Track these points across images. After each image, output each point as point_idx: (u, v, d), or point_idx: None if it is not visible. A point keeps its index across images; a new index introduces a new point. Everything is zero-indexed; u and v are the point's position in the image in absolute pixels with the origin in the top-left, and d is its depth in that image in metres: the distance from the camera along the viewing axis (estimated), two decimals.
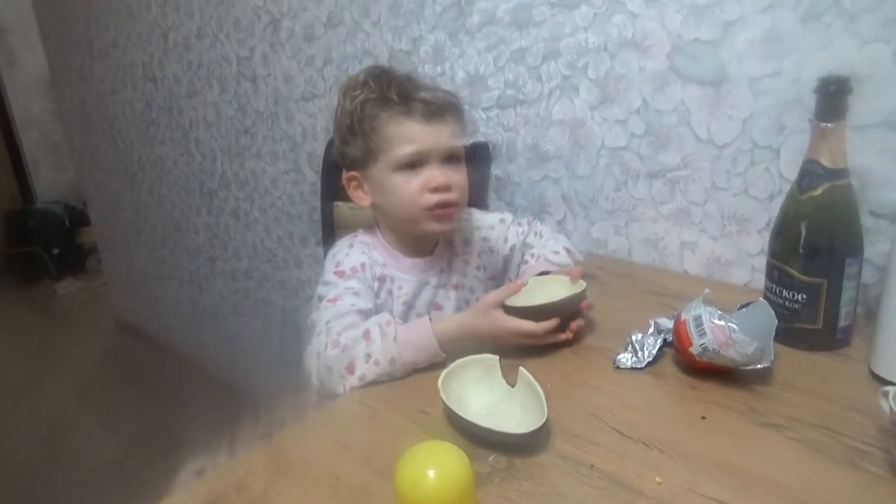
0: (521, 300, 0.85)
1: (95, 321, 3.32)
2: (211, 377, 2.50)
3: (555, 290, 0.89)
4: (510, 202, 1.28)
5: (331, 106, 1.59)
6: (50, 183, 4.06)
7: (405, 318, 0.98)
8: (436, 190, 0.91)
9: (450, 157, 0.92)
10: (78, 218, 3.88)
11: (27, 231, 3.78)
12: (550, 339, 0.84)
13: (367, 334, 0.82)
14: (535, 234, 1.07)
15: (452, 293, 1.01)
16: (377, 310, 0.93)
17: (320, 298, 0.91)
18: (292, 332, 2.09)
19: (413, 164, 0.90)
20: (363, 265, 0.95)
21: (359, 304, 0.89)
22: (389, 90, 0.90)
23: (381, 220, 1.00)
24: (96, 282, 3.69)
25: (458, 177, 0.93)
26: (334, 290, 0.91)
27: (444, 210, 0.92)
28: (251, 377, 2.33)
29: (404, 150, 0.90)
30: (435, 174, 0.91)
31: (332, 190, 1.41)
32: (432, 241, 1.02)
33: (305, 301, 1.98)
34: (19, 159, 3.98)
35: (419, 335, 0.82)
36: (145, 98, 2.32)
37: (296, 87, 1.68)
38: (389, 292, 0.97)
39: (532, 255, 1.03)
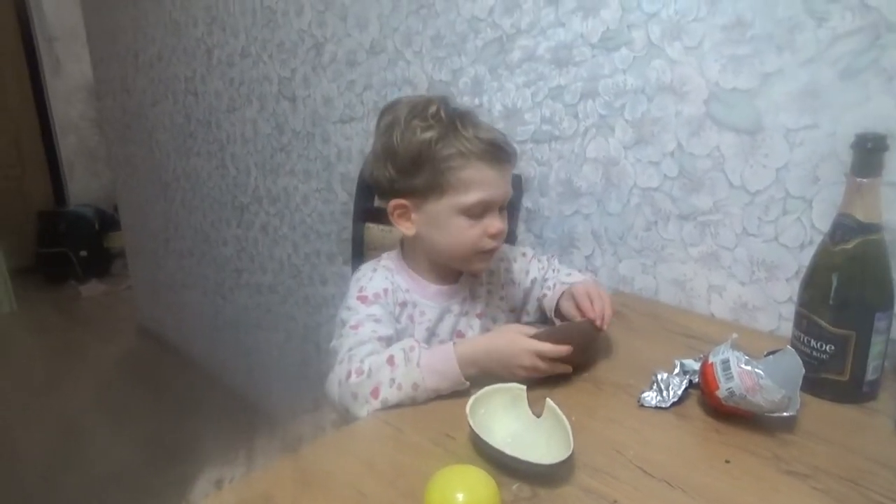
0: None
1: (117, 325, 3.37)
2: (228, 389, 2.52)
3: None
4: (539, 235, 1.30)
5: (368, 130, 1.63)
6: (83, 187, 4.16)
7: (427, 344, 0.99)
8: (493, 236, 0.93)
9: (505, 203, 0.96)
10: (107, 222, 3.96)
11: (57, 232, 3.87)
12: (560, 369, 0.85)
13: (391, 359, 0.83)
14: (554, 270, 1.09)
15: (476, 321, 1.02)
16: (398, 336, 0.93)
17: (343, 323, 0.92)
18: (313, 349, 2.12)
19: (478, 210, 0.92)
20: (386, 291, 0.96)
21: (380, 331, 0.90)
22: (465, 128, 0.90)
23: (417, 247, 1.00)
24: (120, 286, 3.76)
25: (505, 221, 0.96)
26: (356, 316, 0.92)
27: (491, 253, 0.96)
28: (268, 391, 2.35)
29: (475, 196, 0.90)
30: (496, 222, 0.93)
31: (365, 211, 1.44)
32: (459, 270, 1.03)
33: (328, 319, 2.00)
34: (56, 162, 4.08)
35: (443, 362, 0.83)
36: (185, 111, 2.38)
37: (334, 109, 1.72)
38: (411, 318, 0.98)
39: (549, 288, 1.05)
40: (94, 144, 4.06)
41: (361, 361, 0.84)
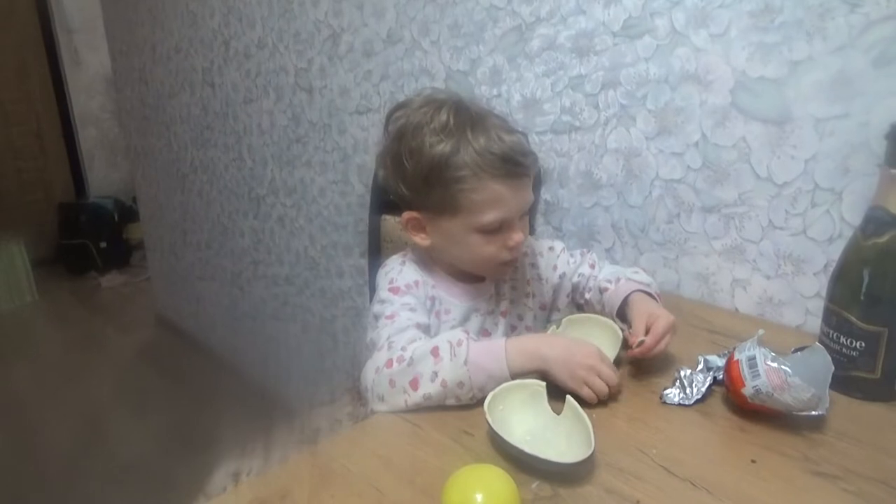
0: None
1: (136, 316, 3.40)
2: (245, 379, 2.54)
3: (594, 335, 0.88)
4: (558, 227, 1.28)
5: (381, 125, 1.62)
6: (102, 178, 4.19)
7: None
8: (512, 249, 0.90)
9: (526, 211, 0.92)
10: (126, 214, 3.99)
11: (78, 224, 3.90)
12: (604, 392, 0.78)
13: (435, 351, 0.78)
14: (591, 265, 1.03)
15: (501, 319, 1.00)
16: (431, 327, 0.91)
17: (376, 317, 0.89)
18: (329, 341, 2.12)
19: (494, 228, 0.88)
20: (416, 283, 0.94)
21: (416, 319, 0.87)
22: (476, 139, 0.84)
23: (437, 257, 0.97)
24: (139, 277, 3.79)
25: (525, 228, 0.93)
26: (391, 307, 0.88)
27: (511, 263, 0.93)
28: (285, 382, 2.36)
29: (490, 216, 0.86)
30: (517, 235, 0.89)
31: (381, 203, 1.43)
32: None
33: (345, 311, 2.00)
34: (76, 154, 4.12)
35: (494, 361, 0.78)
36: (202, 103, 2.39)
37: (351, 100, 1.71)
38: (438, 315, 0.96)
39: (609, 281, 0.98)
40: (114, 136, 4.08)
41: (403, 349, 0.80)
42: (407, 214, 0.92)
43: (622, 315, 0.93)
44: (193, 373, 2.70)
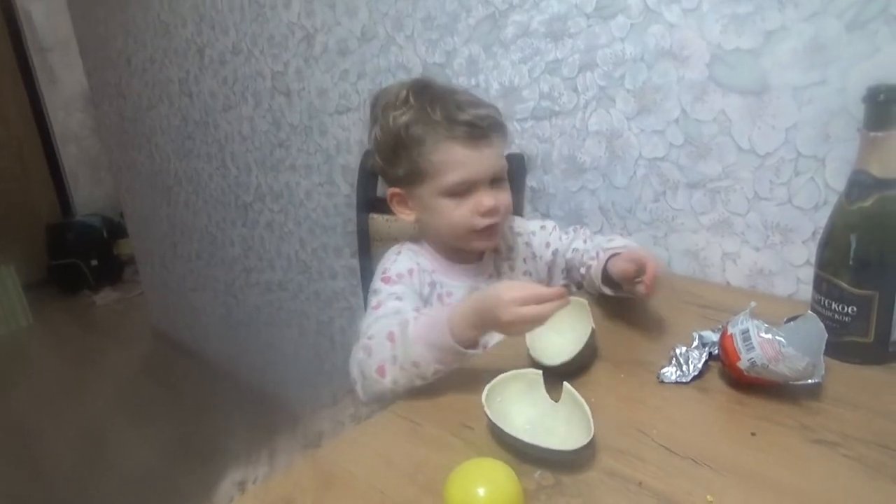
0: (544, 330, 0.85)
1: (132, 331, 3.39)
2: (246, 387, 2.53)
3: (565, 324, 0.87)
4: (546, 213, 1.27)
5: (365, 119, 1.61)
6: (88, 196, 4.17)
7: None
8: (485, 214, 0.92)
9: (495, 178, 0.93)
10: (115, 230, 3.97)
11: (67, 243, 3.88)
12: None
13: (391, 336, 0.79)
14: (584, 240, 1.04)
15: None
16: None
17: (366, 308, 0.92)
18: (326, 343, 2.11)
19: (461, 190, 0.91)
20: (411, 271, 0.95)
21: (401, 307, 0.87)
22: (434, 110, 0.89)
23: (426, 233, 1.01)
24: (133, 292, 3.77)
25: (503, 196, 0.94)
26: (377, 297, 0.91)
27: (490, 230, 0.94)
28: (285, 387, 2.35)
29: (452, 177, 0.90)
30: (484, 199, 0.91)
31: (368, 202, 1.42)
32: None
33: (340, 312, 1.99)
34: (59, 174, 4.09)
35: (435, 332, 0.77)
36: (181, 113, 2.37)
37: (329, 100, 1.70)
38: (440, 298, 0.97)
39: (591, 258, 0.98)
40: (96, 153, 4.05)
41: (370, 338, 0.81)
42: (390, 191, 0.97)
43: (609, 282, 0.93)
44: (193, 384, 2.69)
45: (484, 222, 0.92)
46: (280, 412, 2.17)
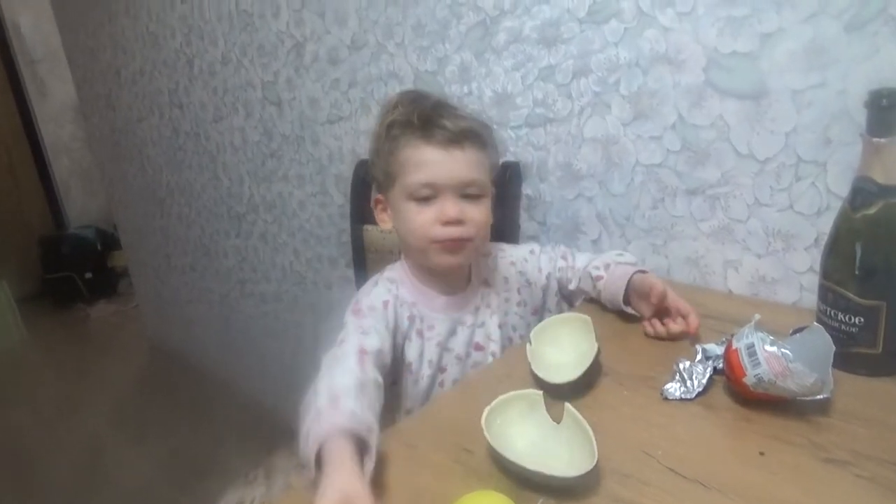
0: (546, 348, 0.85)
1: (129, 344, 3.36)
2: (244, 400, 2.51)
3: (564, 335, 0.87)
4: (542, 222, 1.25)
5: (357, 128, 1.59)
6: (81, 208, 4.14)
7: (440, 360, 0.95)
8: (447, 223, 0.87)
9: (467, 190, 0.88)
10: (109, 242, 3.94)
11: (60, 256, 3.85)
12: None
13: (318, 411, 0.68)
14: (563, 256, 1.04)
15: (496, 332, 0.97)
16: (405, 357, 0.91)
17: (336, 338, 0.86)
18: (324, 354, 2.08)
19: (427, 195, 0.87)
20: (385, 303, 0.91)
21: (365, 343, 0.82)
22: (414, 114, 0.88)
23: (403, 247, 0.98)
24: (129, 305, 3.74)
25: (474, 211, 0.89)
26: (344, 330, 0.86)
27: (453, 242, 0.89)
28: (283, 399, 2.32)
29: (417, 177, 0.87)
30: (448, 207, 0.87)
31: (361, 212, 1.40)
32: (462, 275, 0.98)
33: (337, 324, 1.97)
34: (51, 186, 4.06)
35: (312, 439, 0.66)
36: (172, 124, 2.34)
37: (321, 110, 1.68)
38: (420, 333, 0.93)
39: (598, 268, 0.98)
40: (87, 164, 4.02)
41: (316, 393, 0.72)
42: (374, 198, 0.96)
43: (627, 300, 0.93)
44: (190, 397, 2.66)
45: (443, 232, 0.87)
46: (277, 426, 2.14)
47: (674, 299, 0.88)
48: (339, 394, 0.71)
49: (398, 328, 0.91)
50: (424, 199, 0.87)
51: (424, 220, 0.87)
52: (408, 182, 0.87)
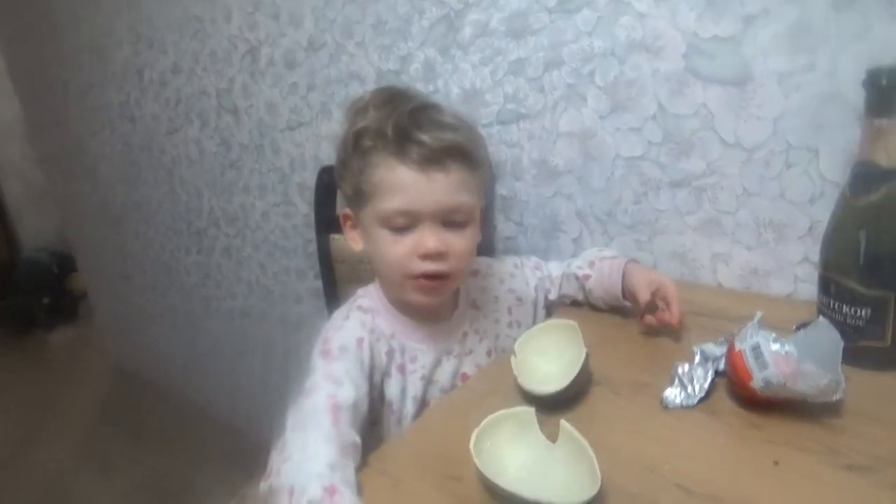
0: (532, 358, 0.80)
1: (91, 370, 3.21)
2: (214, 421, 2.41)
3: (549, 342, 0.82)
4: (519, 222, 1.19)
5: (318, 133, 1.52)
6: (35, 231, 3.96)
7: (425, 395, 0.86)
8: (426, 257, 0.77)
9: (451, 217, 0.78)
10: (67, 264, 3.77)
11: (14, 282, 3.68)
12: None
13: (290, 492, 0.61)
14: (536, 267, 1.00)
15: (486, 361, 0.90)
16: (385, 395, 0.82)
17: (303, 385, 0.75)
18: (295, 371, 2.00)
19: (403, 224, 0.76)
20: (360, 341, 0.79)
21: (338, 396, 0.71)
22: (388, 123, 0.75)
23: (375, 271, 0.85)
24: (90, 328, 3.59)
25: (458, 242, 0.78)
26: (313, 377, 0.74)
27: (431, 282, 0.78)
28: (256, 419, 2.23)
29: (391, 203, 0.75)
30: (427, 238, 0.76)
31: (327, 221, 1.33)
32: (447, 301, 0.88)
33: (308, 337, 1.88)
34: (2, 209, 3.88)
35: None
36: (124, 139, 2.24)
37: (280, 116, 1.60)
38: (401, 368, 0.83)
39: (581, 268, 0.95)
40: (40, 184, 3.85)
41: (283, 462, 0.65)
42: (342, 212, 0.85)
43: (624, 293, 0.90)
44: (159, 421, 2.55)
45: (421, 267, 0.77)
46: (250, 450, 2.05)
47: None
48: (336, 485, 0.61)
49: (375, 366, 0.81)
50: (400, 229, 0.77)
51: (399, 253, 0.77)
52: (381, 207, 0.76)
